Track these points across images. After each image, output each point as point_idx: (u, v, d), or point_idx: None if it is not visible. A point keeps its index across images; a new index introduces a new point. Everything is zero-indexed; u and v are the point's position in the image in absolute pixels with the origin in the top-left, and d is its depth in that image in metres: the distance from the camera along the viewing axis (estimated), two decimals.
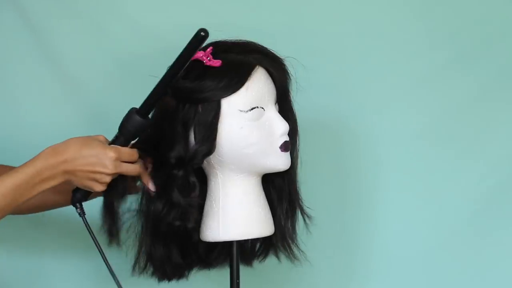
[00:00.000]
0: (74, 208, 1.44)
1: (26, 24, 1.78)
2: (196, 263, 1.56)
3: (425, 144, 1.94)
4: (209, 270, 1.60)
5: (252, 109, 1.42)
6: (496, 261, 1.95)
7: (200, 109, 1.41)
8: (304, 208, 1.57)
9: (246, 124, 1.42)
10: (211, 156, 1.44)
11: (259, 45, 1.49)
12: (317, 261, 1.89)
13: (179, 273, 1.54)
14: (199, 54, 1.41)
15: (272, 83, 1.46)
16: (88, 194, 1.43)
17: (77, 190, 1.42)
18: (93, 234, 1.41)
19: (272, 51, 1.48)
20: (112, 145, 1.38)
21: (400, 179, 1.94)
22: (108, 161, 1.35)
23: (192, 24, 1.77)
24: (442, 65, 1.93)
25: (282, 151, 1.45)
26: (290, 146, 1.47)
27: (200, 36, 1.34)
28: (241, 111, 1.42)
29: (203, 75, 1.40)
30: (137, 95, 1.76)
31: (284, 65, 1.49)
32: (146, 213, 1.46)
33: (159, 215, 1.44)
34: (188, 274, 1.57)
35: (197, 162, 1.43)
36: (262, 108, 1.43)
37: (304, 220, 1.57)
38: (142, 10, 1.83)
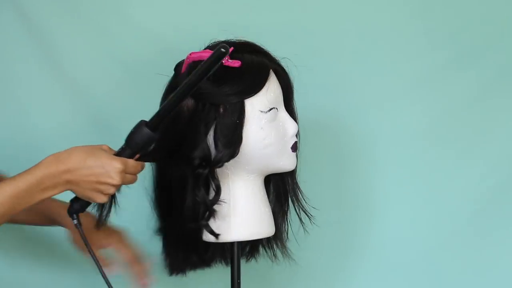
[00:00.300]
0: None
1: (28, 26, 1.78)
2: (197, 261, 1.56)
3: (425, 144, 1.94)
4: (203, 269, 1.60)
5: (270, 109, 1.43)
6: (496, 261, 1.95)
7: (222, 110, 1.40)
8: (306, 208, 1.57)
9: (266, 125, 1.42)
10: None
11: (259, 46, 1.49)
12: (317, 261, 1.90)
13: (181, 268, 1.56)
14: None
15: (279, 84, 1.46)
16: (87, 205, 1.38)
17: (75, 200, 1.37)
18: (90, 246, 1.38)
19: (270, 52, 1.49)
20: (118, 157, 1.33)
21: (400, 179, 1.94)
22: (114, 173, 1.30)
23: (194, 25, 1.79)
24: (442, 65, 1.93)
25: (292, 151, 1.46)
26: None
27: (221, 52, 1.30)
28: (261, 111, 1.42)
29: (224, 76, 1.39)
30: (139, 97, 1.77)
31: (283, 66, 1.50)
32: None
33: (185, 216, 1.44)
34: (188, 271, 1.58)
35: (220, 165, 1.42)
36: (277, 108, 1.44)
37: (301, 220, 1.58)
38: (145, 12, 1.82)
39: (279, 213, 1.55)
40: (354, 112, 1.92)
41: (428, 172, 1.94)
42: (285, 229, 1.58)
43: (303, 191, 1.57)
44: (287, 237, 1.59)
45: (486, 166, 1.95)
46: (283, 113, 1.45)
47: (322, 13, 1.91)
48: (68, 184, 1.30)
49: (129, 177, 1.33)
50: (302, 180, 1.56)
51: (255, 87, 1.41)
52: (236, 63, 1.39)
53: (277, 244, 1.58)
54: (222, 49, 1.30)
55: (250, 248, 1.60)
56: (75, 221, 1.37)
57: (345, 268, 1.95)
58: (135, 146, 1.33)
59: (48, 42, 1.79)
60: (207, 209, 1.43)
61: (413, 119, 1.93)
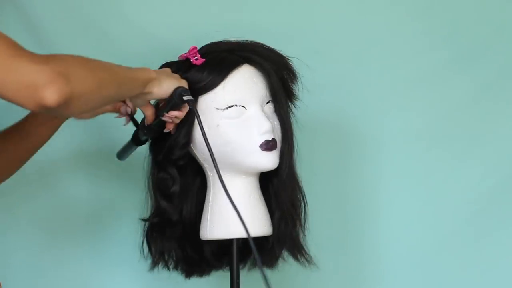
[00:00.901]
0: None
1: (28, 26, 1.77)
2: (210, 264, 1.56)
3: (425, 144, 1.94)
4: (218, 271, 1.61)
5: (229, 107, 1.43)
6: (496, 261, 1.95)
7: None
8: (306, 209, 1.56)
9: (223, 122, 1.43)
10: (197, 154, 1.46)
11: (259, 44, 1.49)
12: (317, 261, 1.89)
13: (199, 270, 1.56)
14: (185, 54, 1.44)
15: (263, 82, 1.45)
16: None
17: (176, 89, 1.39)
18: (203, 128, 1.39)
19: (276, 51, 1.48)
20: None
21: (401, 179, 1.94)
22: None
23: (192, 25, 1.80)
24: (443, 65, 1.94)
25: (263, 150, 1.43)
26: (276, 145, 1.45)
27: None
28: (217, 108, 1.43)
29: (188, 74, 1.43)
30: None
31: (286, 65, 1.49)
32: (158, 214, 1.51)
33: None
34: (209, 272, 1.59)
35: (177, 154, 1.45)
36: (243, 106, 1.43)
37: (303, 221, 1.57)
38: (142, 11, 1.82)
39: (278, 215, 1.53)
40: (354, 112, 1.92)
41: (428, 172, 1.94)
42: (288, 231, 1.55)
43: (303, 191, 1.57)
44: (297, 238, 1.57)
45: (486, 166, 1.95)
46: (253, 111, 1.44)
47: (322, 13, 1.91)
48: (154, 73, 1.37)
49: None
50: (303, 180, 1.56)
51: (208, 85, 1.42)
52: (199, 62, 1.42)
53: (286, 247, 1.57)
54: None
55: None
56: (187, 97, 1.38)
57: (345, 268, 1.95)
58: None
59: (48, 42, 1.78)
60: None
61: (413, 119, 1.94)
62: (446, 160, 1.95)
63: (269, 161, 1.44)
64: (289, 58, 1.51)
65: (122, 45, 1.81)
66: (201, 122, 1.36)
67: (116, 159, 1.58)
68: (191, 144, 1.46)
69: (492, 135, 1.95)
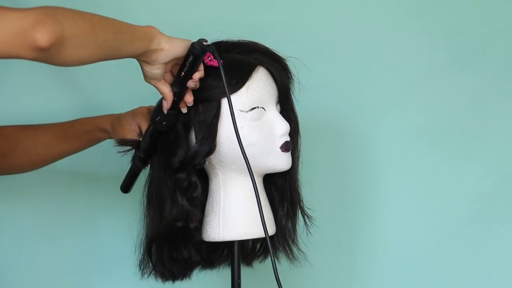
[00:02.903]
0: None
1: None
2: (199, 263, 1.55)
3: (426, 144, 1.94)
4: (211, 270, 1.59)
5: (252, 109, 1.42)
6: (496, 261, 1.96)
7: (200, 108, 1.41)
8: (305, 208, 1.56)
9: (247, 124, 1.42)
10: (211, 156, 1.43)
11: (261, 45, 1.48)
12: (318, 261, 1.89)
13: (183, 273, 1.54)
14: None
15: (274, 83, 1.46)
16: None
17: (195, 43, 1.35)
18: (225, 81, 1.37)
19: (274, 51, 1.48)
20: None
21: (401, 179, 1.94)
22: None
23: (193, 23, 1.79)
24: (442, 66, 1.94)
25: (282, 151, 1.44)
26: (291, 146, 1.46)
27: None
28: (241, 111, 1.41)
29: (205, 75, 1.39)
30: (139, 97, 1.76)
31: (285, 65, 1.49)
32: (151, 215, 1.47)
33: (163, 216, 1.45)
34: (191, 273, 1.56)
35: (198, 163, 1.43)
36: (263, 108, 1.43)
37: (304, 220, 1.57)
38: (145, 12, 1.82)
39: (282, 213, 1.54)
40: (354, 112, 1.93)
41: (428, 172, 1.95)
42: (288, 230, 1.55)
43: (303, 191, 1.57)
44: (295, 238, 1.57)
45: (486, 166, 1.95)
46: (272, 113, 1.44)
47: (322, 14, 1.91)
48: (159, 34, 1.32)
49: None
50: (303, 180, 1.56)
51: (233, 87, 1.40)
52: (216, 63, 1.39)
53: (283, 246, 1.57)
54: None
55: (264, 248, 1.58)
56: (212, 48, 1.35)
57: (346, 268, 1.96)
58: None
59: None
60: (186, 210, 1.44)
61: (414, 119, 1.94)
62: (445, 160, 1.95)
63: (287, 162, 1.45)
64: (286, 58, 1.51)
65: None
66: (225, 81, 1.35)
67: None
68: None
69: (492, 135, 1.95)
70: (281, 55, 1.48)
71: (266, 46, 1.48)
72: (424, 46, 1.94)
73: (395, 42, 1.93)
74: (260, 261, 1.60)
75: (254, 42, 1.48)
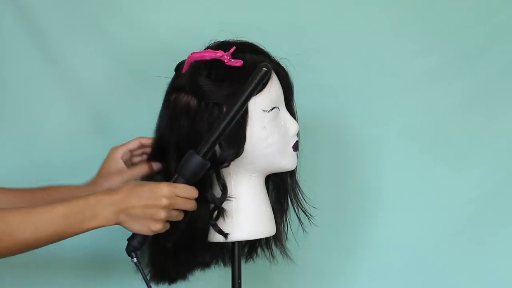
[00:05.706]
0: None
1: (28, 26, 1.77)
2: (200, 264, 1.55)
3: (426, 144, 1.94)
4: (204, 271, 1.59)
5: (272, 108, 1.43)
6: (496, 261, 1.95)
7: (225, 109, 1.39)
8: (305, 208, 1.57)
9: (268, 124, 1.43)
10: None
11: (258, 46, 1.49)
12: (317, 261, 1.90)
13: (182, 275, 1.54)
14: (219, 54, 1.40)
15: (279, 83, 1.46)
16: (144, 241, 1.35)
17: (132, 237, 1.34)
18: (149, 283, 1.38)
19: (268, 52, 1.49)
20: (165, 182, 1.33)
21: (400, 179, 1.94)
22: (161, 193, 1.29)
23: (194, 25, 1.80)
24: (443, 66, 1.93)
25: (294, 151, 1.46)
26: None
27: (264, 72, 1.32)
28: (264, 111, 1.42)
29: (228, 75, 1.40)
30: (140, 97, 1.77)
31: (284, 66, 1.50)
32: None
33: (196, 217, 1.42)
34: (188, 275, 1.56)
35: (226, 165, 1.41)
36: (278, 108, 1.44)
37: (299, 219, 1.57)
38: (143, 10, 1.82)
39: (278, 212, 1.55)
40: (353, 112, 1.92)
41: (428, 172, 1.94)
42: (284, 229, 1.57)
43: (303, 191, 1.57)
44: (287, 237, 1.59)
45: (486, 166, 1.95)
46: (285, 113, 1.46)
47: (322, 14, 1.91)
48: (120, 213, 1.30)
49: (183, 201, 1.32)
50: (302, 180, 1.57)
51: (260, 87, 1.39)
52: (238, 63, 1.40)
53: (276, 244, 1.58)
54: (265, 68, 1.31)
55: (249, 248, 1.59)
56: (135, 259, 1.35)
57: (345, 268, 1.95)
58: (188, 174, 1.33)
59: (48, 42, 1.78)
60: (216, 209, 1.43)
61: (413, 119, 1.94)
62: (446, 161, 1.95)
63: (295, 161, 1.48)
64: (279, 59, 1.51)
65: (123, 46, 1.81)
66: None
67: None
68: None
69: (491, 135, 1.95)
70: (274, 57, 1.49)
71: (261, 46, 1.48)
72: (425, 47, 1.93)
73: (395, 43, 1.93)
74: (246, 261, 1.60)
75: (252, 43, 1.48)
